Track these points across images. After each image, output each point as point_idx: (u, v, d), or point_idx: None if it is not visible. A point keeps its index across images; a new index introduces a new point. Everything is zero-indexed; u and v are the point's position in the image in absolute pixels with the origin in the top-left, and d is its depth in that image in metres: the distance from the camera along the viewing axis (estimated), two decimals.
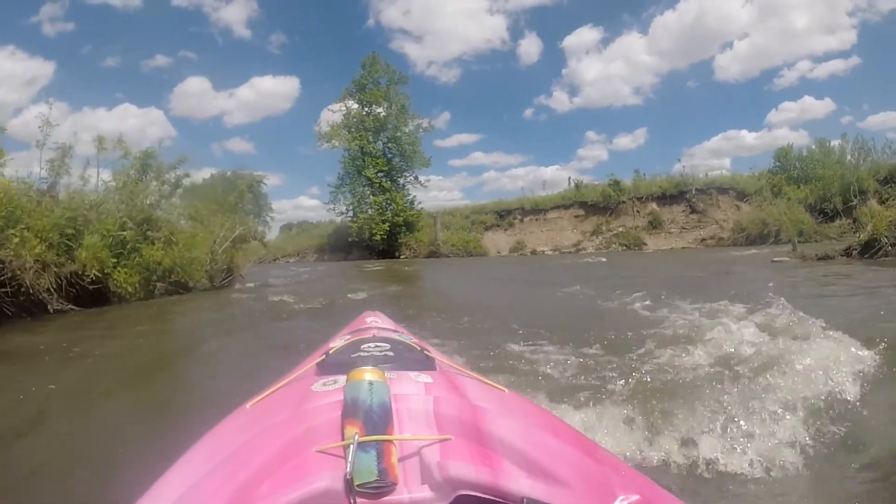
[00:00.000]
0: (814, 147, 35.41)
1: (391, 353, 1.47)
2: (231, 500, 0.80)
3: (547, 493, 0.85)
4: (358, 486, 0.83)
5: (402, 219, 35.08)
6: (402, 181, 36.79)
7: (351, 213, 36.49)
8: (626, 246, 31.00)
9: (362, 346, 1.51)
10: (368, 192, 35.76)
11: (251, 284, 13.71)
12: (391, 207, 35.39)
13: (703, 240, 31.15)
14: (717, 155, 50.51)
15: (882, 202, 30.81)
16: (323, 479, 0.83)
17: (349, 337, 1.74)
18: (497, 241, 33.99)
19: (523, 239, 33.31)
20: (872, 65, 49.32)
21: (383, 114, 36.17)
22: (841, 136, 35.20)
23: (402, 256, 34.10)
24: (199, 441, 1.12)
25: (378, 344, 1.53)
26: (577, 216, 33.96)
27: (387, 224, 34.69)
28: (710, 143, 51.63)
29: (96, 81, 57.64)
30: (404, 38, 62.87)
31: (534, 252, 32.00)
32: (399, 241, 34.93)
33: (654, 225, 32.35)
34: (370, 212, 35.48)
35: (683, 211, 32.91)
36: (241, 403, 1.28)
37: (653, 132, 52.14)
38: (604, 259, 21.62)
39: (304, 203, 71.35)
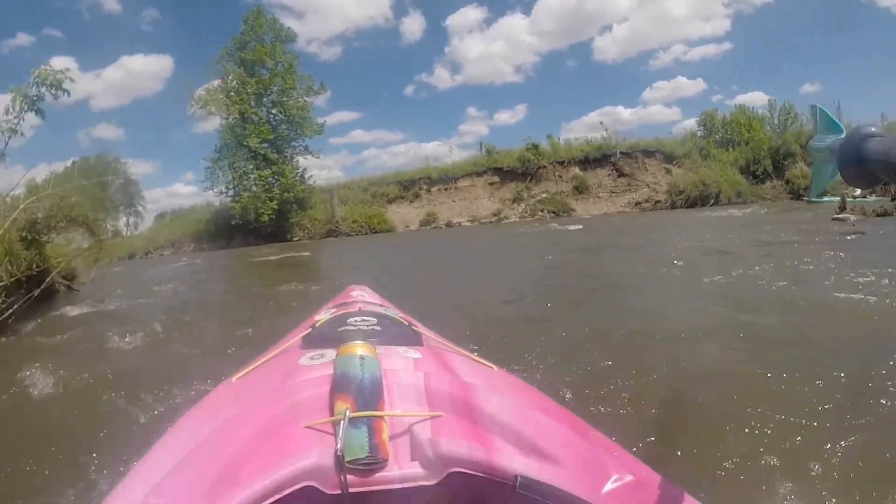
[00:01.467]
0: (735, 111, 34.30)
1: (378, 328, 1.40)
2: (218, 476, 0.77)
3: (540, 472, 0.83)
4: (348, 462, 0.81)
5: (292, 195, 29.67)
6: (290, 152, 31.31)
7: (232, 193, 30.65)
8: (554, 213, 27.29)
9: (349, 320, 1.45)
10: (252, 167, 30.06)
11: (76, 311, 7.85)
12: (279, 183, 29.88)
13: (638, 203, 28.07)
14: (594, 129, 52.43)
15: (809, 164, 30.23)
16: (312, 455, 0.81)
17: (335, 310, 1.71)
18: (404, 215, 29.34)
19: (434, 211, 28.86)
20: (743, 50, 53.46)
21: (268, 75, 30.74)
22: (769, 103, 34.85)
23: (295, 239, 28.75)
24: (185, 416, 1.09)
25: (365, 318, 1.47)
26: (492, 183, 29.89)
27: (275, 202, 29.17)
28: (588, 118, 56.36)
29: None
30: (285, 14, 57.22)
31: (449, 224, 27.66)
32: (290, 220, 29.48)
33: (581, 190, 28.92)
34: (254, 189, 29.80)
35: (609, 175, 29.75)
36: (227, 377, 1.26)
37: (532, 108, 53.47)
38: (573, 227, 17.70)
39: (179, 190, 65.63)
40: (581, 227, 17.72)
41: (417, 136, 62.60)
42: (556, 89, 60.47)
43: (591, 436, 1.03)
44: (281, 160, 30.25)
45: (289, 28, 31.96)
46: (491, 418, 0.93)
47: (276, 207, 29.14)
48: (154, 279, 13.73)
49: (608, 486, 0.86)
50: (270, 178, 29.83)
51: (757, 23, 52.88)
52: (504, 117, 55.87)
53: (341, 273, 10.63)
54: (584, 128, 50.35)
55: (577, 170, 29.78)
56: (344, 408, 0.88)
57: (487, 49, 55.06)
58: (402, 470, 0.85)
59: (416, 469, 0.85)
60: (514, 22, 57.15)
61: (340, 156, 55.78)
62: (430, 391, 1.00)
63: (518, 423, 0.93)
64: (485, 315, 4.97)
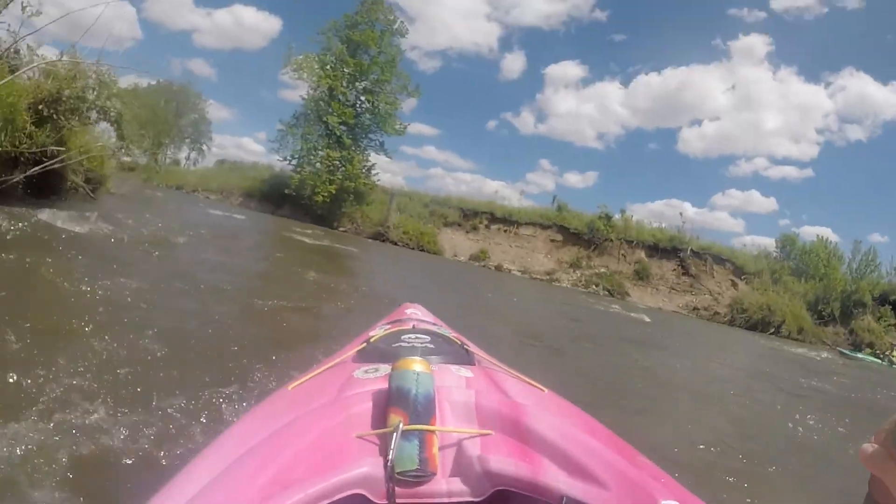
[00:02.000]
0: (816, 242, 32.51)
1: (431, 346, 1.43)
2: (271, 478, 0.79)
3: (586, 494, 0.84)
4: (398, 473, 0.83)
5: (353, 185, 28.78)
6: (364, 143, 30.45)
7: (295, 163, 29.90)
8: (608, 291, 25.82)
9: (403, 337, 1.48)
10: (323, 144, 29.29)
11: (72, 225, 6.61)
12: (344, 169, 29.06)
13: (696, 308, 26.43)
14: (657, 217, 51.75)
15: (877, 320, 28.44)
16: (363, 465, 0.83)
17: (389, 326, 1.75)
18: (456, 243, 28.18)
19: (487, 249, 27.63)
20: (824, 182, 53.55)
21: (368, 61, 29.97)
22: (854, 243, 32.77)
23: (341, 229, 27.82)
24: (242, 419, 1.11)
25: (419, 335, 1.49)
26: (553, 241, 28.55)
27: (334, 186, 28.32)
28: (654, 205, 53.44)
29: None
30: (399, 14, 60.07)
31: (499, 268, 26.39)
32: (343, 210, 28.58)
33: (641, 276, 27.44)
34: (318, 167, 29.02)
35: (675, 270, 28.21)
36: (283, 384, 1.28)
37: (603, 178, 54.72)
38: (637, 315, 16.63)
39: (247, 145, 66.81)
40: (648, 319, 16.31)
41: (486, 171, 62.99)
42: (631, 167, 60.73)
43: (639, 461, 1.02)
44: (353, 148, 29.40)
45: (402, 22, 31.22)
46: (539, 438, 0.93)
47: (334, 192, 28.29)
48: (187, 220, 12.86)
49: None
50: (337, 162, 29.00)
51: (845, 157, 52.21)
52: (573, 179, 56.61)
53: (394, 288, 9.56)
54: (648, 213, 50.32)
55: (642, 254, 28.34)
56: (397, 420, 0.88)
57: (577, 108, 56.71)
58: (449, 485, 0.85)
59: (463, 484, 0.85)
60: (611, 90, 57.37)
61: (408, 165, 57.76)
62: (481, 409, 1.00)
63: (566, 445, 0.92)
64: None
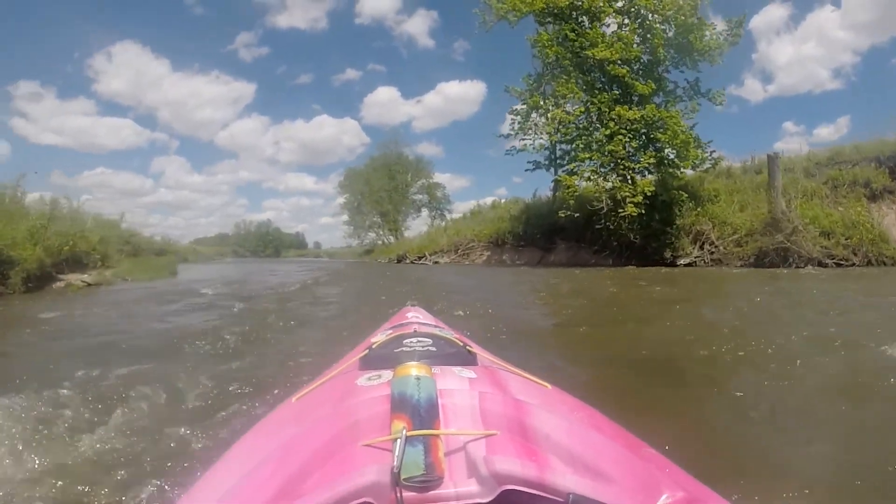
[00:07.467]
0: None
1: (433, 349, 1.41)
2: (279, 491, 0.81)
3: (593, 489, 0.84)
4: (405, 479, 0.83)
5: (680, 172, 14.95)
6: (665, 100, 16.21)
7: (552, 162, 15.58)
8: None
9: (404, 341, 1.46)
10: (600, 104, 15.05)
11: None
12: (651, 146, 15.07)
13: None
14: None
15: None
16: (370, 473, 0.83)
17: (390, 332, 1.72)
18: None
19: None
20: None
21: None
22: None
23: (682, 261, 14.00)
24: (247, 434, 1.14)
25: (420, 339, 1.48)
26: None
27: (649, 180, 14.44)
28: None
29: (293, 96, 65.12)
30: None
31: None
32: (675, 223, 14.57)
33: None
34: (601, 156, 14.81)
35: None
36: (287, 397, 1.32)
37: (856, 120, 45.74)
38: None
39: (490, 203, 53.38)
40: None
41: (731, 155, 51.27)
42: (883, 94, 49.63)
43: (645, 453, 1.05)
44: (656, 102, 15.45)
45: None
46: (544, 436, 0.94)
47: (653, 192, 14.29)
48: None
49: (659, 503, 0.87)
50: (640, 134, 14.96)
51: None
52: (825, 133, 50.78)
53: None
54: None
55: None
56: (401, 427, 0.90)
57: (798, 52, 49.73)
58: (456, 488, 0.86)
59: (470, 487, 0.86)
60: (824, 16, 50.49)
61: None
62: (485, 410, 1.01)
63: (571, 441, 0.94)
64: None
